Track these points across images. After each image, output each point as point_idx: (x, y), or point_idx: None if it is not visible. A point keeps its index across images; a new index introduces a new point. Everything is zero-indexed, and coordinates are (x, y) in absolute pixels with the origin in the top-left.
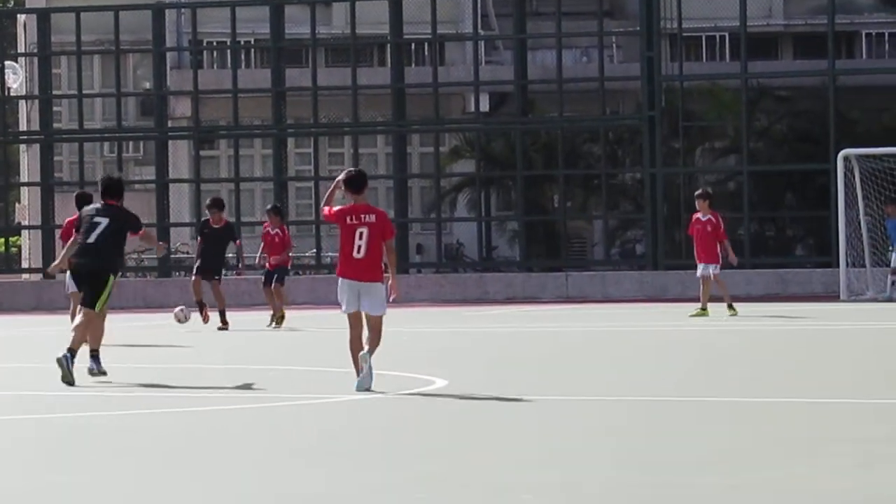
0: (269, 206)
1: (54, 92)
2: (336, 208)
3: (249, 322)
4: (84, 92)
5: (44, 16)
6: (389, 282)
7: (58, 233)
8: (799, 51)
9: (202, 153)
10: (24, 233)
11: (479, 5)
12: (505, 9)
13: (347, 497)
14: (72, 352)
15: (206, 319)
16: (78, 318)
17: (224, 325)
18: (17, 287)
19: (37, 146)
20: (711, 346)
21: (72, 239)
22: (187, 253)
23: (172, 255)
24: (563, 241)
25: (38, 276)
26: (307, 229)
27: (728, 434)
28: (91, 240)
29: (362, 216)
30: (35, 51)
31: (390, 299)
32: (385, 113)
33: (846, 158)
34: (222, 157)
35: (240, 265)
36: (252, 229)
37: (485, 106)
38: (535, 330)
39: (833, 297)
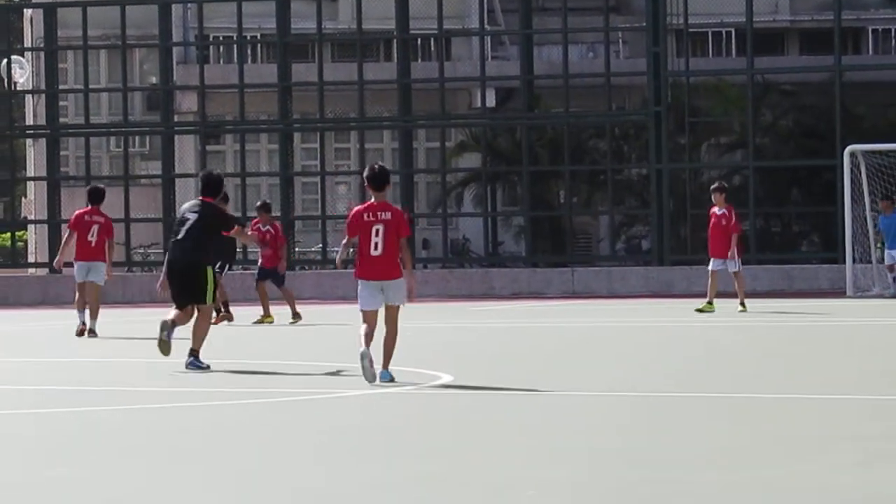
0: (258, 203)
1: (60, 87)
2: (352, 212)
3: (255, 316)
4: (90, 87)
5: (50, 10)
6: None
7: (64, 227)
8: (805, 46)
9: (208, 148)
10: (31, 227)
11: (485, 1)
12: (511, 4)
13: (347, 494)
14: (194, 353)
15: (230, 318)
16: (193, 320)
17: (227, 313)
18: (23, 282)
19: (43, 141)
20: (715, 342)
21: (68, 233)
22: None
23: None
24: (569, 236)
25: (44, 271)
26: (313, 224)
27: (728, 431)
28: (180, 236)
29: (379, 213)
30: (41, 45)
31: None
32: (391, 108)
33: (852, 154)
34: (228, 151)
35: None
36: None
37: (491, 101)
38: (540, 325)
39: (839, 293)
